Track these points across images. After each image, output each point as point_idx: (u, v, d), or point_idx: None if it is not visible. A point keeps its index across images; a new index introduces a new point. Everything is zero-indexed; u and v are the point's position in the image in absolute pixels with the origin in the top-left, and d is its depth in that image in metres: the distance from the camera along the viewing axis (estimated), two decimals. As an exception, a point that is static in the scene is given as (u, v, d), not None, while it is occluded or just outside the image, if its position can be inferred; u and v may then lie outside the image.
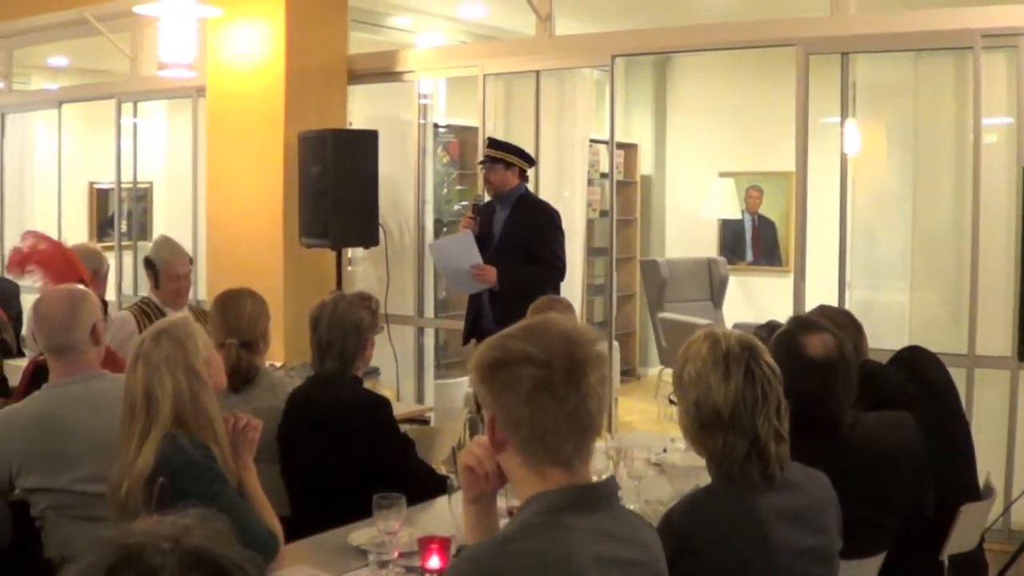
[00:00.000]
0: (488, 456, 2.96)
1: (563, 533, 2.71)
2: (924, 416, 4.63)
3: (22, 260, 7.50)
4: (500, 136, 9.53)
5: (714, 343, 3.52)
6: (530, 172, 9.19)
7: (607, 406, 2.88)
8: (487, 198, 8.76)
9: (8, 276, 8.86)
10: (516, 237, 8.42)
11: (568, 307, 6.72)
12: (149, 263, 7.74)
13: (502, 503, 2.98)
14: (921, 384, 5.02)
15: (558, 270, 8.45)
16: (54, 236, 8.77)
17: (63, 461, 4.59)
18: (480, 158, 8.91)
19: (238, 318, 5.72)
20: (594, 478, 2.93)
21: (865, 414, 4.41)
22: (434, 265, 9.73)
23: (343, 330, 5.41)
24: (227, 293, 5.94)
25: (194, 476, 3.96)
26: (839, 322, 4.83)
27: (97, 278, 7.72)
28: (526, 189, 8.71)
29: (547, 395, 2.74)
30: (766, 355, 3.54)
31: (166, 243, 7.97)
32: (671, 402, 3.67)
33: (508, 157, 8.53)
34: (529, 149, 9.11)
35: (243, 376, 5.65)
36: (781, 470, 3.47)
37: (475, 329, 8.56)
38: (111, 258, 11.95)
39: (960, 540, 4.76)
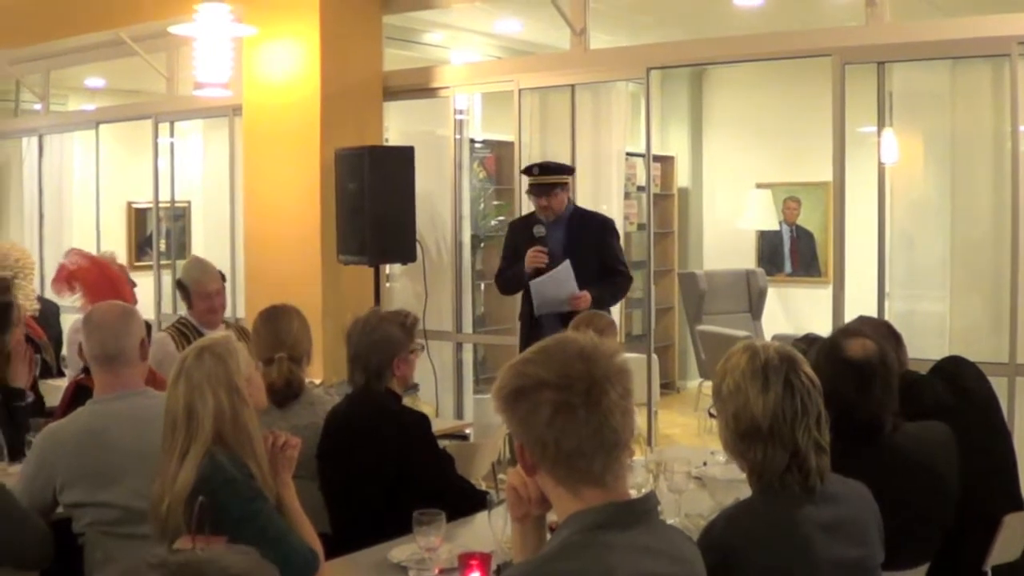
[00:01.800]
0: (533, 480, 2.95)
1: (603, 551, 2.71)
2: (964, 426, 4.60)
3: (68, 277, 7.55)
4: (537, 150, 9.55)
5: (753, 355, 3.51)
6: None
7: (633, 418, 2.87)
8: (540, 228, 8.47)
9: (52, 293, 8.89)
10: (577, 254, 8.27)
11: (610, 324, 6.73)
12: (180, 284, 7.78)
13: (551, 516, 2.97)
14: (960, 394, 4.99)
15: (630, 278, 8.52)
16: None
17: (106, 476, 4.63)
18: (527, 184, 8.60)
19: (286, 333, 5.77)
20: (633, 493, 2.92)
21: (907, 424, 4.39)
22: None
23: (370, 344, 5.41)
24: (273, 309, 5.98)
25: (233, 494, 3.97)
26: (880, 333, 4.81)
27: None
28: (573, 203, 8.65)
29: (568, 418, 2.74)
30: (805, 367, 3.53)
31: (195, 263, 8.02)
32: (711, 415, 3.66)
33: (564, 179, 8.48)
34: (565, 163, 9.08)
35: (294, 391, 5.69)
36: (821, 481, 3.46)
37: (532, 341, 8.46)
38: (150, 277, 12.04)
39: (1003, 551, 4.74)
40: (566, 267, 8.15)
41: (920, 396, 4.84)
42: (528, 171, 8.57)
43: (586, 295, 8.11)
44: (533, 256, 8.29)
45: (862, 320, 5.45)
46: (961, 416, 4.71)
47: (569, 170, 8.66)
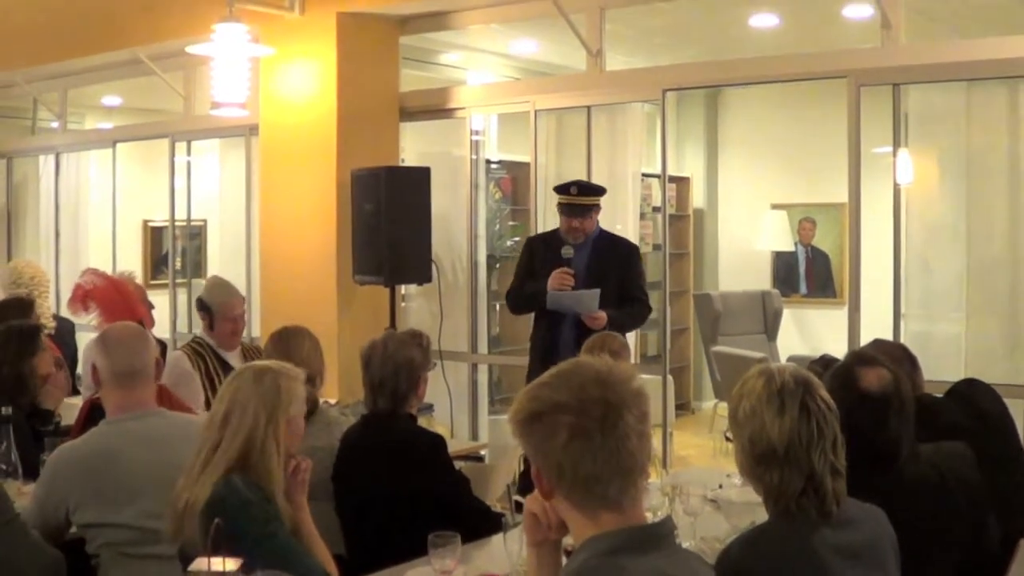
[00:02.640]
0: (552, 506, 2.95)
1: (620, 575, 2.70)
2: (980, 448, 4.59)
3: (83, 296, 7.57)
4: (552, 171, 9.53)
5: (769, 379, 3.51)
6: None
7: (650, 442, 2.88)
8: (568, 250, 8.17)
9: (67, 312, 8.89)
10: (601, 277, 8.09)
11: (623, 345, 6.68)
12: (203, 305, 7.76)
13: (567, 540, 2.97)
14: (976, 416, 4.99)
15: (649, 307, 8.34)
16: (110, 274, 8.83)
17: (121, 497, 4.63)
18: (559, 203, 8.30)
19: (297, 352, 5.79)
20: (649, 515, 2.93)
21: (920, 446, 4.39)
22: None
23: (395, 368, 5.43)
24: (284, 330, 6.03)
25: (249, 516, 3.98)
26: (895, 356, 4.80)
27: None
28: (600, 226, 8.39)
29: (585, 442, 2.75)
30: (821, 390, 3.53)
31: (220, 284, 7.99)
32: (727, 439, 3.66)
33: (599, 200, 8.26)
34: (598, 184, 9.04)
35: (309, 408, 5.71)
36: (837, 505, 3.46)
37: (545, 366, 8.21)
38: (165, 295, 12.05)
39: (1020, 574, 4.72)
40: (594, 295, 7.97)
41: (936, 419, 4.83)
42: (564, 190, 8.26)
43: (602, 315, 7.93)
44: (559, 277, 8.02)
45: (877, 343, 5.44)
46: (977, 438, 4.70)
47: (603, 191, 8.41)
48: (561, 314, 8.13)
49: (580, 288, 8.05)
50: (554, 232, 8.42)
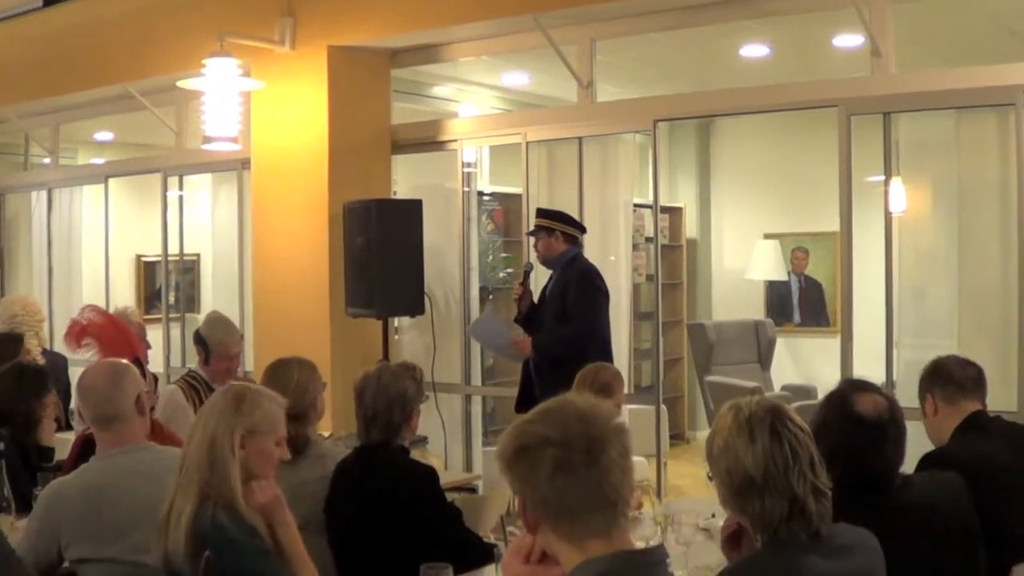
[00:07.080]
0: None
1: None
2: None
3: (79, 332, 7.55)
4: (544, 202, 9.53)
5: (736, 411, 3.54)
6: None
7: (632, 477, 2.92)
8: (529, 263, 9.03)
9: (63, 347, 8.89)
10: (556, 300, 8.53)
11: (616, 375, 6.69)
12: (200, 340, 7.75)
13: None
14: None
15: (585, 328, 8.41)
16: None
17: (112, 531, 4.62)
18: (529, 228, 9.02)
19: (284, 387, 5.71)
20: (640, 544, 2.93)
21: (913, 475, 4.40)
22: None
23: (388, 401, 5.43)
24: (276, 363, 6.00)
25: (236, 553, 3.99)
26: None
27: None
28: (577, 254, 8.71)
29: (568, 474, 2.80)
30: (791, 414, 3.54)
31: (220, 322, 7.96)
32: (709, 478, 3.67)
33: (550, 223, 8.64)
34: (573, 215, 9.06)
35: (298, 448, 5.66)
36: (824, 525, 3.45)
37: (528, 397, 8.51)
38: (159, 330, 12.02)
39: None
40: (488, 316, 8.41)
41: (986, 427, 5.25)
42: None
43: (525, 340, 8.57)
44: (515, 289, 8.97)
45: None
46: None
47: (553, 215, 8.84)
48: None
49: (544, 312, 8.67)
50: None
